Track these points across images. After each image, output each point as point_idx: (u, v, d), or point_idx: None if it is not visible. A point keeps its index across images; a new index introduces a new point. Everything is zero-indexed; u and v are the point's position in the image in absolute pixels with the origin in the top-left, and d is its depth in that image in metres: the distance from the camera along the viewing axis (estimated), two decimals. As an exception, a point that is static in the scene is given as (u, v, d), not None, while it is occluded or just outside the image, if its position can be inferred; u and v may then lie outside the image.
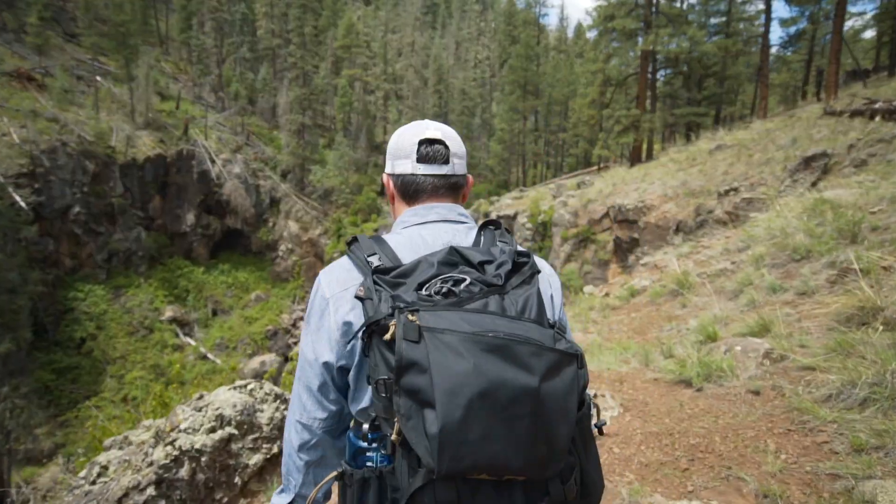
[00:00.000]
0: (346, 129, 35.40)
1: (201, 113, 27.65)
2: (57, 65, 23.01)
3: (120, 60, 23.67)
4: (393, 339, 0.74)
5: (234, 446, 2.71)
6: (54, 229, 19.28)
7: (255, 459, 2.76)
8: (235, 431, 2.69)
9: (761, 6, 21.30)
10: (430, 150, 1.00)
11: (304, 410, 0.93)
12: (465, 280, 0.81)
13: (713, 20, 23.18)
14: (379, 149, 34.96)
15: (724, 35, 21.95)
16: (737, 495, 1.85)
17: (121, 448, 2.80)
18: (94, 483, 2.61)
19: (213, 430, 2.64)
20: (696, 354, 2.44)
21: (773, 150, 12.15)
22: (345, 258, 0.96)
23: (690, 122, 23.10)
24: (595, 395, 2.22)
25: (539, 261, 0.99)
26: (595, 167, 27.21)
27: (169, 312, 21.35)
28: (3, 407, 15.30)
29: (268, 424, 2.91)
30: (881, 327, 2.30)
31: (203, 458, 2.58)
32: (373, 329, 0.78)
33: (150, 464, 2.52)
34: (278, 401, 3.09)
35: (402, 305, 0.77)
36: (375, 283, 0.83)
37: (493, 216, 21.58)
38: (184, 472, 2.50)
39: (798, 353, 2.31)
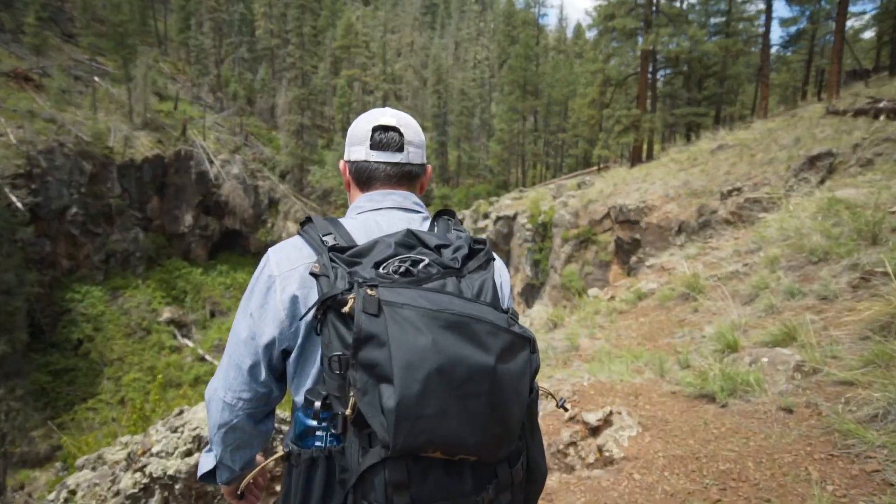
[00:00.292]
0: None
1: (199, 113, 27.53)
2: (54, 65, 22.88)
3: (118, 61, 23.55)
4: (351, 314, 0.73)
5: (212, 472, 2.46)
6: (51, 230, 19.14)
7: (236, 487, 2.53)
8: (214, 455, 2.45)
9: (761, 6, 21.23)
10: (384, 137, 0.99)
11: (229, 388, 0.90)
12: (422, 260, 0.81)
13: (713, 20, 23.11)
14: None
15: (724, 35, 21.86)
16: (782, 536, 1.65)
17: (94, 468, 2.61)
18: (59, 510, 2.41)
19: (189, 453, 2.37)
20: (717, 366, 2.28)
21: (775, 149, 12.04)
22: (297, 237, 0.93)
23: (690, 123, 23.01)
24: (611, 413, 2.03)
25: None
26: (595, 167, 27.11)
27: (167, 314, 21.21)
28: (-1, 409, 15.17)
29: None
30: (924, 337, 2.10)
31: (177, 486, 2.28)
32: (329, 304, 0.77)
33: (117, 493, 2.26)
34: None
35: (360, 280, 0.76)
36: (332, 259, 0.82)
37: (493, 217, 21.46)
38: (154, 502, 2.23)
39: (832, 366, 2.13)
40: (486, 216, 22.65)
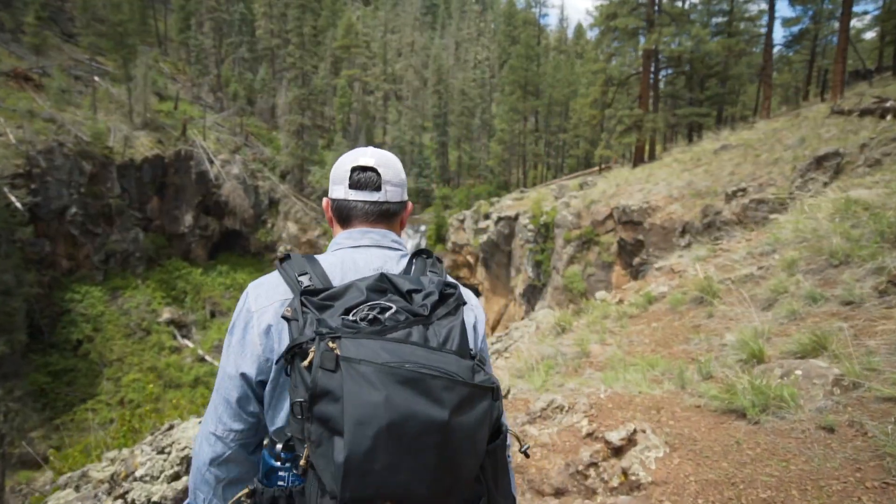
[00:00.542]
0: (346, 130, 35.21)
1: (200, 113, 27.45)
2: (54, 65, 22.81)
3: (118, 60, 23.47)
4: (311, 366, 0.76)
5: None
6: (51, 230, 19.06)
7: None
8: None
9: (763, 6, 21.18)
10: (363, 177, 1.04)
11: (219, 422, 0.92)
12: (391, 308, 0.82)
13: (715, 20, 23.02)
14: (379, 149, 34.84)
15: (725, 35, 21.77)
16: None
17: (77, 488, 2.45)
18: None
19: (176, 476, 2.21)
20: (746, 378, 2.12)
21: (780, 150, 11.94)
22: (275, 273, 0.97)
23: (692, 123, 22.91)
24: (635, 431, 1.89)
25: (465, 292, 1.00)
26: (596, 168, 27.01)
27: (166, 314, 21.13)
28: (-2, 411, 15.08)
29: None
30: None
31: (161, 513, 2.11)
32: (295, 352, 0.79)
33: (98, 522, 2.08)
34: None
35: (324, 331, 0.78)
36: (303, 304, 0.84)
37: (494, 217, 21.36)
38: (136, 531, 2.02)
39: (874, 380, 1.96)
40: (486, 217, 22.55)
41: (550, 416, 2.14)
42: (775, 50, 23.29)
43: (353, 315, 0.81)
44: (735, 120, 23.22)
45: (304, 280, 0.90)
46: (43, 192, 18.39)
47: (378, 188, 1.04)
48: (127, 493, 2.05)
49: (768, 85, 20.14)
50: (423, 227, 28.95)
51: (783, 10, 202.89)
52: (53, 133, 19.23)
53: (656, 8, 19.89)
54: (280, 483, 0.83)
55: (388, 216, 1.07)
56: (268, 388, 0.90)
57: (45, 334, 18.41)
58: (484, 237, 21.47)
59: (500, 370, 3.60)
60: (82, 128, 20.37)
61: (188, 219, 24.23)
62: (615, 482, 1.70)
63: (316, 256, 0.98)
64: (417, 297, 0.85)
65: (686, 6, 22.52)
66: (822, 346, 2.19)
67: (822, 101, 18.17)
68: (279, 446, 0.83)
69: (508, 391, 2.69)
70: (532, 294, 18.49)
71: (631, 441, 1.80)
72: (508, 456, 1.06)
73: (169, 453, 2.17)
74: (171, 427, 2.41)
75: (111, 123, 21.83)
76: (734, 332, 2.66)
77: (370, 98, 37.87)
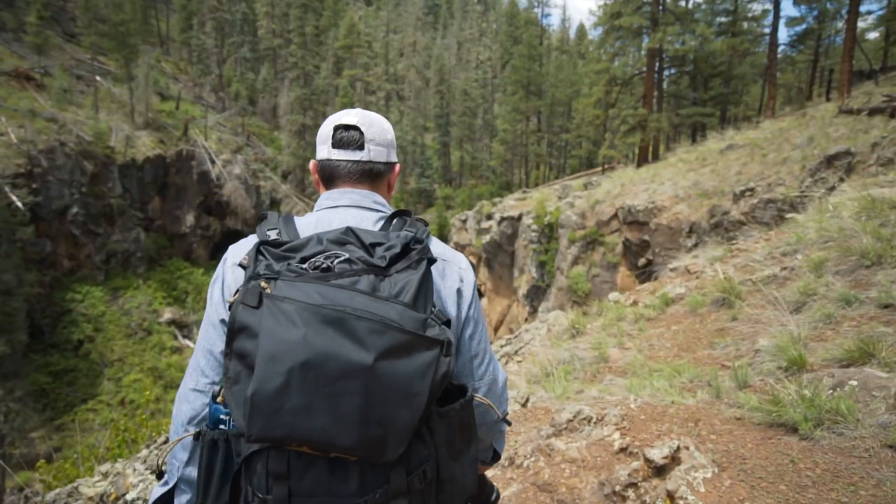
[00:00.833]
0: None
1: (201, 113, 27.38)
2: (56, 64, 22.76)
3: (119, 60, 23.42)
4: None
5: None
6: (52, 230, 18.99)
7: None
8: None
9: (767, 6, 21.07)
10: (345, 136, 1.01)
11: (201, 375, 0.89)
12: (342, 256, 0.81)
13: (718, 19, 22.89)
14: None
15: (729, 34, 21.64)
16: None
17: None
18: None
19: None
20: (792, 388, 1.95)
21: (788, 149, 11.81)
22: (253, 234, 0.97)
23: (696, 123, 22.78)
24: (678, 448, 1.72)
25: (453, 254, 1.00)
26: (599, 168, 26.87)
27: (168, 314, 21.05)
28: (-2, 411, 15.01)
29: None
30: None
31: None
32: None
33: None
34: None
35: (262, 272, 0.77)
36: (260, 252, 0.83)
37: (497, 217, 21.23)
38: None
39: None
40: (489, 217, 22.40)
41: (577, 428, 2.00)
42: (779, 50, 23.15)
43: (307, 263, 0.80)
44: (738, 120, 23.07)
45: (273, 234, 0.89)
46: (44, 192, 18.33)
47: (361, 147, 1.01)
48: (116, 517, 1.88)
49: (773, 85, 20.01)
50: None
51: (787, 9, 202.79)
52: (55, 133, 19.17)
53: (661, 7, 19.77)
54: (222, 426, 0.81)
55: (371, 176, 1.04)
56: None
57: (46, 334, 18.34)
58: (487, 238, 21.34)
59: (515, 375, 3.47)
60: (84, 127, 20.30)
61: (189, 219, 24.16)
62: (660, 507, 1.54)
63: (294, 217, 0.98)
64: (379, 250, 0.83)
65: (690, 5, 22.41)
66: (870, 352, 2.04)
67: (826, 101, 18.04)
68: (216, 388, 0.83)
69: (527, 399, 2.56)
70: (536, 295, 18.36)
71: (674, 459, 1.65)
72: (501, 431, 1.04)
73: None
74: (167, 440, 2.25)
75: (113, 123, 21.76)
76: (767, 337, 2.52)
77: (372, 98, 37.78)
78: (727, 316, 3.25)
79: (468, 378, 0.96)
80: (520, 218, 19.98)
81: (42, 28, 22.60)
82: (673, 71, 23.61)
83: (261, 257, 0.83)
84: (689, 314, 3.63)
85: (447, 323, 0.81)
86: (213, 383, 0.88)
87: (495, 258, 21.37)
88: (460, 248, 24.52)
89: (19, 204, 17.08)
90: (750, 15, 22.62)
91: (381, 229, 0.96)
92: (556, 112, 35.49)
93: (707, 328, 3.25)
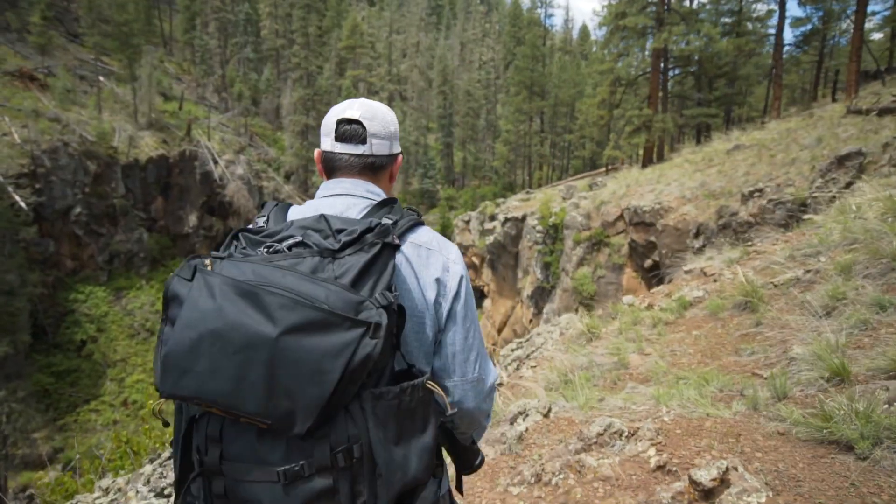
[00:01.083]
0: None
1: (204, 114, 27.36)
2: (59, 65, 22.77)
3: (123, 60, 23.43)
4: None
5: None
6: (55, 230, 18.97)
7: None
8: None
9: (771, 6, 20.95)
10: (348, 130, 1.03)
11: None
12: (292, 238, 0.85)
13: (723, 20, 22.77)
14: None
15: (734, 35, 21.52)
16: None
17: None
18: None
19: None
20: (843, 401, 1.81)
21: (796, 149, 11.68)
22: None
23: (700, 124, 22.64)
24: (727, 470, 1.57)
25: (442, 244, 0.99)
26: (603, 169, 26.75)
27: (171, 315, 21.04)
28: (0, 411, 14.98)
29: None
30: None
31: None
32: None
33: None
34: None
35: (214, 253, 0.85)
36: (235, 238, 0.90)
37: (501, 218, 21.12)
38: None
39: None
40: (493, 218, 22.30)
41: (608, 442, 1.88)
42: (784, 50, 23.02)
43: (265, 247, 0.84)
44: (743, 121, 22.94)
45: (260, 221, 0.95)
46: (47, 192, 18.30)
47: (363, 141, 1.03)
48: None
49: (779, 85, 19.87)
50: (427, 228, 28.78)
51: (792, 9, 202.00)
52: (58, 133, 19.16)
53: (666, 7, 19.66)
54: None
55: (373, 169, 1.06)
56: None
57: (49, 335, 18.32)
58: (490, 238, 21.23)
59: (531, 382, 3.36)
60: (87, 128, 20.29)
61: (192, 219, 24.14)
62: (713, 538, 1.39)
63: (293, 205, 1.03)
64: (341, 236, 0.86)
65: (695, 6, 22.29)
66: (918, 362, 1.93)
67: (833, 102, 17.90)
68: None
69: (549, 410, 2.44)
70: (540, 296, 18.25)
71: (723, 481, 1.52)
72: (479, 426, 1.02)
73: (168, 496, 1.86)
74: (172, 457, 2.11)
75: (116, 123, 21.75)
76: (800, 344, 2.41)
77: (375, 98, 37.72)
78: (751, 321, 3.14)
79: (451, 372, 0.96)
80: (524, 219, 19.87)
81: (46, 28, 22.62)
82: (678, 71, 23.48)
83: (235, 242, 0.89)
84: (710, 318, 3.53)
85: (398, 309, 0.80)
86: None
87: (499, 259, 21.26)
88: (463, 248, 24.41)
89: (22, 204, 17.05)
90: (754, 15, 22.50)
91: (366, 216, 0.98)
92: (559, 113, 35.39)
93: (731, 333, 3.14)
